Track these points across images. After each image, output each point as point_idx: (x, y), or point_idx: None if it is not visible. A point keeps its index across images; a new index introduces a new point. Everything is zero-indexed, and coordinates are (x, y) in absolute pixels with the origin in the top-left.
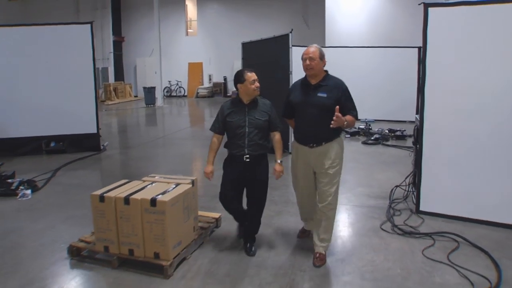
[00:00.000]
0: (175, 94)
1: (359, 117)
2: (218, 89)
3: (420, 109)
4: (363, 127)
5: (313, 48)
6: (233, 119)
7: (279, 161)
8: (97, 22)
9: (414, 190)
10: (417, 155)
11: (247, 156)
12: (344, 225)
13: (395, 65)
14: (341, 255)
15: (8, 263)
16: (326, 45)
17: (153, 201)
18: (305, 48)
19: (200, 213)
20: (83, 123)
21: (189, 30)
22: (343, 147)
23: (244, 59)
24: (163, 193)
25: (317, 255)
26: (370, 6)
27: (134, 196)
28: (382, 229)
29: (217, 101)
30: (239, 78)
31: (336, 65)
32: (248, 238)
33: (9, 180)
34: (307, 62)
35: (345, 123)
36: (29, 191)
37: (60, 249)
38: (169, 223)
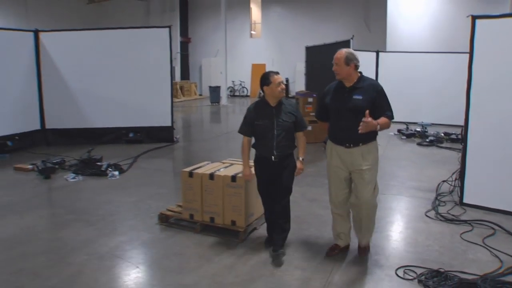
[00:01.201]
0: (238, 94)
1: (416, 120)
2: None
3: (465, 111)
4: (419, 129)
5: (338, 54)
6: (261, 122)
7: (301, 159)
8: (166, 23)
9: (459, 184)
10: (462, 152)
11: (276, 157)
12: (392, 211)
13: (454, 71)
14: (388, 233)
15: (109, 226)
16: (387, 50)
17: (233, 178)
18: (366, 52)
19: None
20: (159, 117)
21: (252, 32)
22: (378, 149)
23: (307, 62)
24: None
25: (362, 247)
26: (432, 11)
27: (217, 173)
28: (427, 215)
29: None
30: (265, 80)
31: (396, 69)
32: (277, 238)
33: (98, 163)
34: (334, 67)
35: (378, 126)
36: (116, 172)
37: (150, 218)
38: (245, 196)
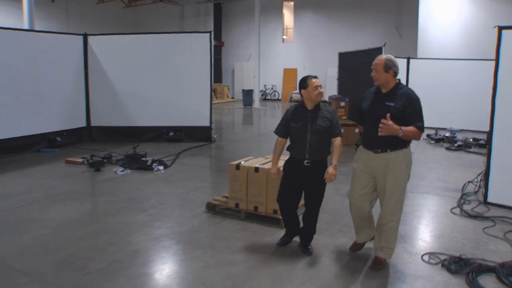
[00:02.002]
0: (269, 98)
1: (445, 126)
2: None
3: (490, 116)
4: (448, 135)
5: (377, 60)
6: (296, 124)
7: (333, 164)
8: (200, 27)
9: (483, 185)
10: (487, 154)
11: (308, 161)
12: (420, 207)
13: (484, 77)
14: (415, 225)
15: (161, 212)
16: (418, 57)
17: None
18: (397, 59)
19: None
20: (198, 117)
21: (284, 37)
22: (410, 159)
23: (340, 67)
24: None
25: (376, 259)
26: (464, 18)
27: (262, 166)
28: (452, 212)
29: None
30: (302, 84)
31: (426, 76)
32: (305, 238)
33: (143, 158)
34: (372, 73)
35: (400, 132)
36: (161, 167)
37: (197, 207)
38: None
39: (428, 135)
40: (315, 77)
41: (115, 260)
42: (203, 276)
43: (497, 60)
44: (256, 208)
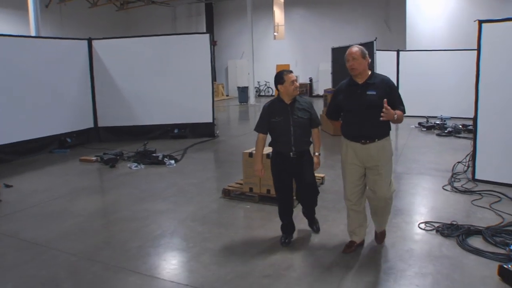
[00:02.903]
0: (263, 94)
1: (436, 114)
2: (304, 89)
3: (475, 101)
4: (439, 122)
5: (355, 48)
6: (277, 119)
7: (317, 154)
8: (192, 27)
9: (471, 164)
10: (473, 136)
11: (294, 153)
12: (414, 185)
13: (471, 67)
14: (411, 200)
15: (181, 200)
16: (408, 49)
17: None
18: (387, 52)
19: None
20: (201, 114)
21: (275, 34)
22: (391, 145)
23: (333, 62)
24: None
25: (379, 234)
26: (451, 9)
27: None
28: (444, 189)
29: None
30: (279, 79)
31: (416, 67)
32: (309, 217)
33: (154, 154)
34: (350, 62)
35: (395, 116)
36: (173, 161)
37: (213, 194)
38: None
39: (419, 123)
40: (291, 72)
41: (149, 239)
42: (231, 248)
43: (478, 51)
44: (268, 191)
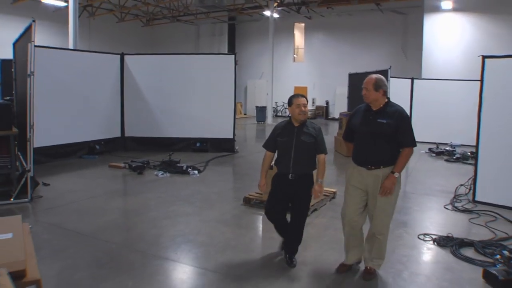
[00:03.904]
0: (280, 114)
1: (446, 141)
2: (321, 112)
3: (477, 129)
4: (448, 148)
5: (368, 79)
6: (282, 139)
7: (319, 181)
8: (215, 46)
9: (473, 187)
10: (475, 161)
11: (292, 175)
12: (419, 204)
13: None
14: (415, 216)
15: (205, 205)
16: (423, 76)
17: None
18: (402, 79)
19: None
20: (222, 130)
21: (294, 56)
22: (400, 176)
23: (350, 87)
24: None
25: (368, 268)
26: (466, 41)
27: None
28: (445, 208)
29: (319, 122)
30: (289, 102)
31: (429, 95)
32: (289, 251)
33: (178, 164)
34: (363, 91)
35: (397, 175)
36: (196, 172)
37: (235, 201)
38: None
39: (429, 149)
40: (301, 96)
41: (179, 235)
42: (250, 245)
43: (481, 82)
44: None
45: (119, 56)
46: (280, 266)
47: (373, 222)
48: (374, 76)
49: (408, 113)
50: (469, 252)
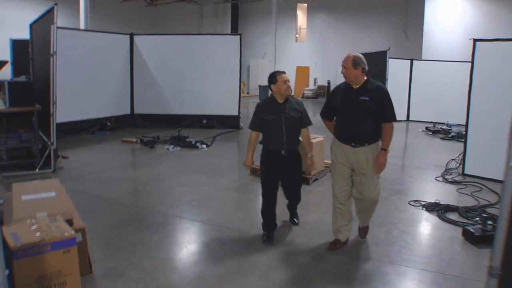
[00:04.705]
0: None
1: (443, 121)
2: (322, 91)
3: (467, 108)
4: (444, 127)
5: (346, 58)
6: (270, 117)
7: (309, 155)
8: (218, 26)
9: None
10: (465, 137)
11: (285, 151)
12: (412, 176)
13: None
14: (408, 186)
15: (216, 174)
16: (423, 57)
17: None
18: (401, 60)
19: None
20: (228, 107)
21: (297, 36)
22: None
23: None
24: (313, 139)
25: (363, 228)
26: (467, 22)
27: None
28: (436, 179)
29: (321, 101)
30: (272, 79)
31: (428, 76)
32: (292, 212)
33: (187, 139)
34: (343, 70)
35: (388, 150)
36: (204, 146)
37: (243, 172)
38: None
39: (426, 127)
40: (283, 72)
41: (194, 199)
42: (258, 207)
43: (472, 64)
44: None
45: (128, 36)
46: (285, 224)
47: (364, 192)
48: (352, 54)
49: (407, 93)
50: (453, 216)
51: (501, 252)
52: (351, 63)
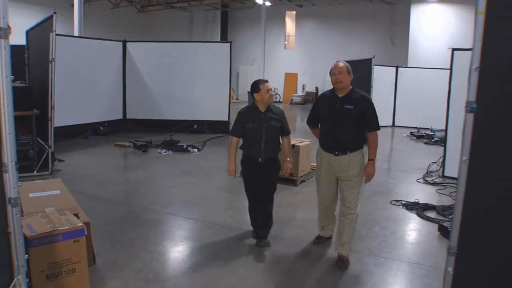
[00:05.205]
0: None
1: (427, 126)
2: (310, 98)
3: (446, 113)
4: (428, 132)
5: (342, 64)
6: (251, 125)
7: (288, 159)
8: (208, 33)
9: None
10: (444, 141)
11: (262, 158)
12: (395, 178)
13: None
14: (390, 187)
15: (207, 176)
16: (409, 65)
17: (293, 146)
18: (387, 67)
19: None
20: (218, 112)
21: (285, 43)
22: (364, 156)
23: None
24: (300, 142)
25: (341, 257)
26: (450, 31)
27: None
28: (417, 181)
29: (309, 107)
30: (255, 88)
31: (412, 83)
32: (261, 235)
33: (179, 144)
34: (337, 76)
35: (374, 160)
36: (196, 150)
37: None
38: (300, 158)
39: (411, 133)
40: (266, 81)
41: (189, 199)
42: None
43: (450, 72)
44: None
45: (121, 43)
46: (278, 221)
47: (345, 202)
48: (342, 62)
49: (393, 99)
50: (431, 214)
51: (457, 235)
52: (346, 70)
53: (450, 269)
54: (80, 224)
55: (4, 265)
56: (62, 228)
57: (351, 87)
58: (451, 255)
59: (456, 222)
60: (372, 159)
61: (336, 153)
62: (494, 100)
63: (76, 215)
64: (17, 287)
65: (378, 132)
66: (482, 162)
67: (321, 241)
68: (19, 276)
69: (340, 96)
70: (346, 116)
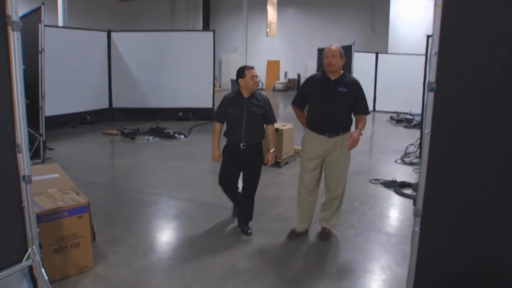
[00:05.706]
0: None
1: (406, 111)
2: (292, 84)
3: (422, 97)
4: (407, 117)
5: (335, 47)
6: (233, 110)
7: (271, 151)
8: (190, 22)
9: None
10: (421, 123)
11: (244, 144)
12: (374, 159)
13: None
14: (369, 168)
15: (195, 161)
16: (390, 51)
17: (277, 129)
18: (367, 53)
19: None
20: (203, 100)
21: (267, 31)
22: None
23: (319, 61)
24: (283, 126)
25: (324, 229)
26: (429, 18)
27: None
28: (395, 162)
29: (291, 94)
30: (240, 73)
31: (392, 69)
32: (243, 221)
33: (165, 131)
34: (330, 59)
35: (362, 131)
36: (182, 136)
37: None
38: (284, 141)
39: (391, 117)
40: (252, 67)
41: (178, 182)
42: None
43: (426, 58)
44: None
45: (106, 33)
46: (261, 198)
47: (333, 184)
48: (335, 45)
49: (373, 85)
50: (408, 191)
51: (422, 198)
52: (339, 53)
53: (417, 229)
54: (84, 201)
55: (20, 237)
56: (68, 205)
57: (342, 70)
58: (418, 217)
59: (421, 186)
60: (360, 129)
61: (328, 134)
62: (451, 80)
63: (77, 194)
64: (32, 256)
65: None
66: (442, 133)
67: (296, 235)
68: (33, 246)
69: (332, 78)
70: (340, 99)
